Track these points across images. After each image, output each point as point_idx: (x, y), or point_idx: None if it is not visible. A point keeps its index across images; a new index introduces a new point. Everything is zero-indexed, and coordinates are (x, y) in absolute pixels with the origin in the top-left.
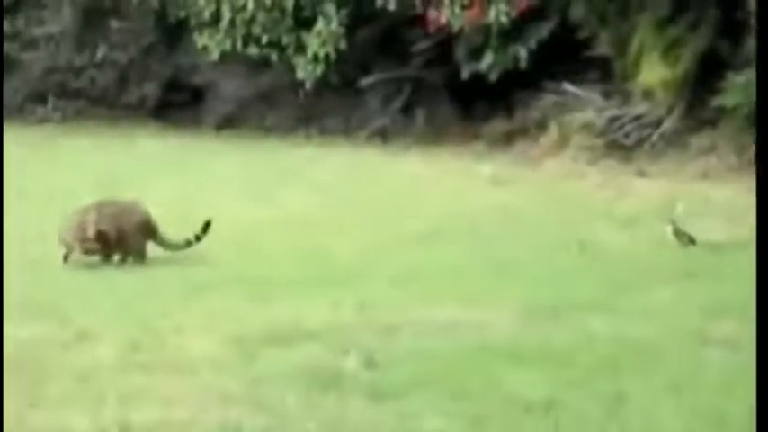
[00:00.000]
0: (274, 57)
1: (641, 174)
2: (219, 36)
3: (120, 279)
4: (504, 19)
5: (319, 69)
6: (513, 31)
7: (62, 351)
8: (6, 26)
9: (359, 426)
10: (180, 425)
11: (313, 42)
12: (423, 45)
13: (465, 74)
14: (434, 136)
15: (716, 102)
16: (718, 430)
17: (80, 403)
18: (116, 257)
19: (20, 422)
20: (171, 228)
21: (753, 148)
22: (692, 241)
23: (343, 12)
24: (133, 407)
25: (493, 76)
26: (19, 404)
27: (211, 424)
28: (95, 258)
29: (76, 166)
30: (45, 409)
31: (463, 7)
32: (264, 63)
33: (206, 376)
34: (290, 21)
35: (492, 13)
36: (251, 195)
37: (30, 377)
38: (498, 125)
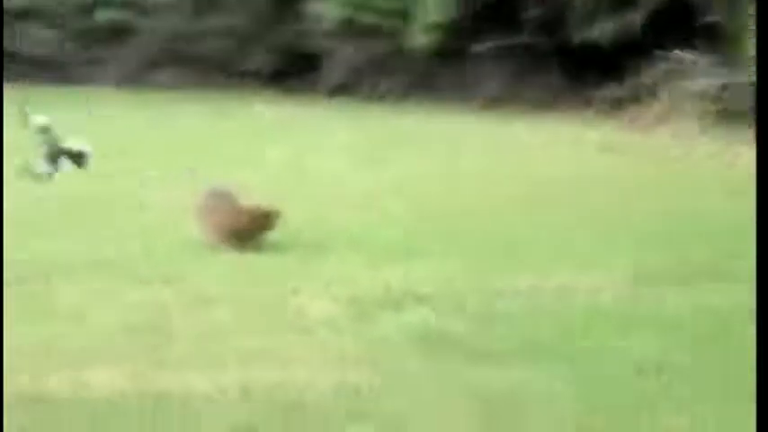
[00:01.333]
0: (389, 24)
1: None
2: (334, 4)
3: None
4: None
5: (432, 37)
6: None
7: (184, 315)
8: None
9: (471, 387)
10: (300, 385)
11: (426, 10)
12: (535, 12)
13: (576, 41)
14: (545, 103)
15: None
16: None
17: (202, 364)
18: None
19: (147, 382)
20: (285, 193)
21: None
22: None
23: None
24: (253, 368)
25: (604, 43)
26: (144, 365)
27: (329, 385)
28: None
29: (192, 132)
30: (169, 370)
31: None
32: (378, 30)
33: (323, 338)
34: None
35: None
36: (364, 161)
37: (152, 340)
38: (609, 92)
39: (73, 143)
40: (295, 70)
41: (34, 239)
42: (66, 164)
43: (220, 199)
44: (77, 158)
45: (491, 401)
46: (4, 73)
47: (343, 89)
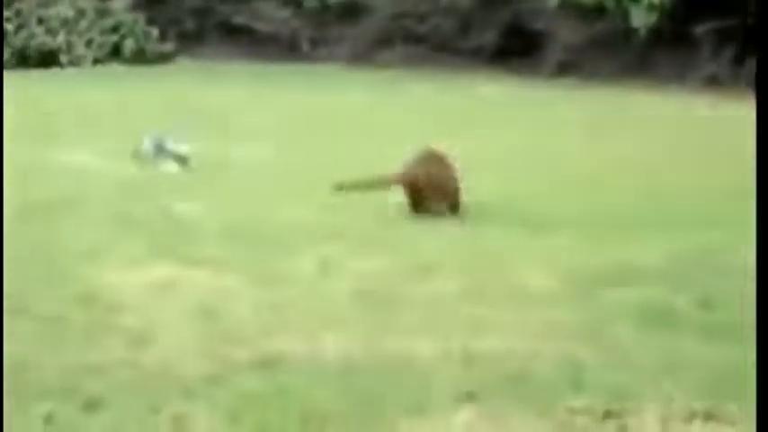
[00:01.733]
0: (610, 4)
1: None
2: None
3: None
4: None
5: (654, 17)
6: None
7: (408, 283)
8: None
9: (693, 364)
10: (523, 356)
11: None
12: None
13: None
14: None
15: None
16: None
17: (426, 331)
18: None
19: (374, 346)
20: (512, 170)
21: None
22: None
23: None
24: (476, 337)
25: None
26: (371, 331)
27: (553, 357)
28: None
29: (420, 109)
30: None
31: None
32: (600, 10)
33: (546, 310)
34: None
35: None
36: (588, 140)
37: (379, 307)
38: None
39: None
40: (518, 49)
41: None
42: (171, 164)
43: (435, 161)
44: (181, 160)
45: (715, 377)
46: (244, 50)
47: (565, 68)
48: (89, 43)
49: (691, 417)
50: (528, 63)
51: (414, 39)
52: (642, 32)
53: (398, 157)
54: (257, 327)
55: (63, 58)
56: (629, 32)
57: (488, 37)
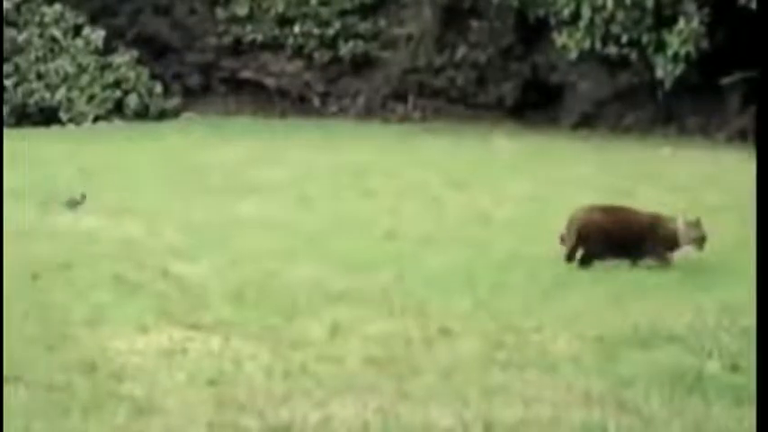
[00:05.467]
0: (633, 56)
1: None
2: (579, 35)
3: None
4: None
5: (679, 68)
6: None
7: (425, 347)
8: (368, 25)
9: (722, 428)
10: (543, 423)
11: (674, 41)
12: None
13: None
14: None
15: None
16: None
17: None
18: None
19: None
20: (525, 227)
21: None
22: None
23: (705, 10)
24: (495, 404)
25: None
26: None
27: (575, 423)
28: None
29: (434, 164)
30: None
31: None
32: (623, 62)
33: (567, 375)
34: (650, 19)
35: None
36: (609, 195)
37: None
38: None
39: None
40: (538, 102)
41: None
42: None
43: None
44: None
45: None
46: (251, 105)
47: (586, 121)
48: (90, 99)
49: None
50: (547, 116)
51: (429, 92)
52: (667, 84)
53: (408, 214)
54: (267, 394)
55: (63, 116)
56: (653, 84)
57: (506, 90)
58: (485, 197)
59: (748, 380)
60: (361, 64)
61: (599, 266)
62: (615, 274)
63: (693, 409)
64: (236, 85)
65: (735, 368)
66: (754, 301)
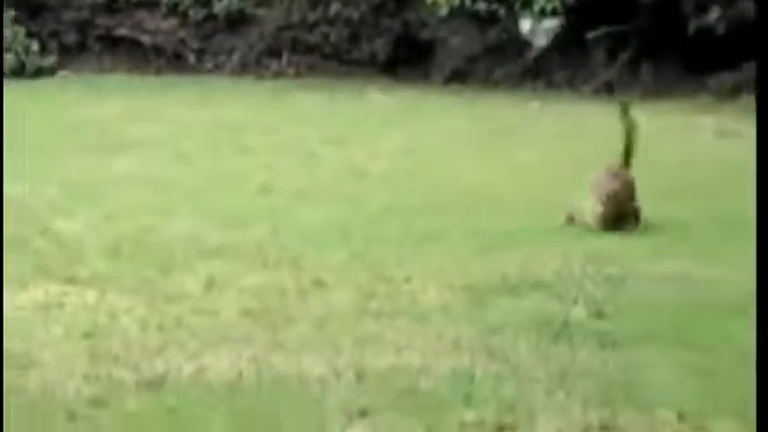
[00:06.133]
0: (501, 12)
1: None
2: None
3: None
4: None
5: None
6: None
7: (299, 298)
8: None
9: (587, 375)
10: (413, 371)
11: None
12: None
13: (692, 27)
14: (660, 89)
15: None
16: None
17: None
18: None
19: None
20: (399, 181)
21: None
22: None
23: None
24: (368, 352)
25: (720, 29)
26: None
27: (444, 370)
28: None
29: (309, 120)
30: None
31: None
32: (492, 18)
33: (437, 324)
34: None
35: None
36: (480, 149)
37: (269, 324)
38: (724, 78)
39: None
40: (410, 58)
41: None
42: None
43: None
44: None
45: (612, 386)
46: (127, 63)
47: (457, 77)
48: None
49: (586, 428)
50: (419, 72)
51: (303, 49)
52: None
53: (283, 169)
54: (142, 346)
55: None
56: (521, 39)
57: (379, 46)
58: (360, 152)
59: (612, 325)
60: (236, 21)
61: (471, 218)
62: (488, 226)
63: (559, 354)
64: (112, 43)
65: (599, 314)
66: (620, 250)
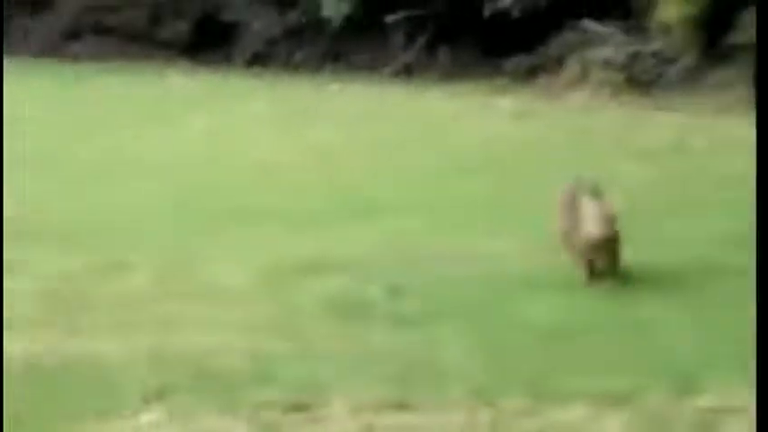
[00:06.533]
0: None
1: (660, 108)
2: None
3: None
4: None
5: (345, 7)
6: None
7: (97, 282)
8: None
9: (383, 354)
10: (211, 352)
11: None
12: None
13: (488, 11)
14: (458, 72)
15: (731, 38)
16: None
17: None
18: None
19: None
20: (200, 163)
21: None
22: None
23: None
24: (166, 334)
25: (515, 13)
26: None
27: (243, 350)
28: None
29: (109, 103)
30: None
31: None
32: (292, 1)
33: (237, 304)
34: None
35: None
36: (279, 131)
37: (66, 307)
38: (520, 61)
39: None
40: (211, 41)
41: None
42: None
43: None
44: None
45: (407, 365)
46: None
47: (259, 59)
48: None
49: (380, 406)
50: (221, 54)
51: (104, 31)
52: (334, 22)
53: (73, 153)
54: None
55: None
56: (322, 22)
57: (180, 29)
58: (160, 134)
59: (408, 305)
60: (37, 3)
61: (273, 199)
62: (289, 206)
63: (356, 334)
64: None
65: (396, 293)
66: (417, 229)
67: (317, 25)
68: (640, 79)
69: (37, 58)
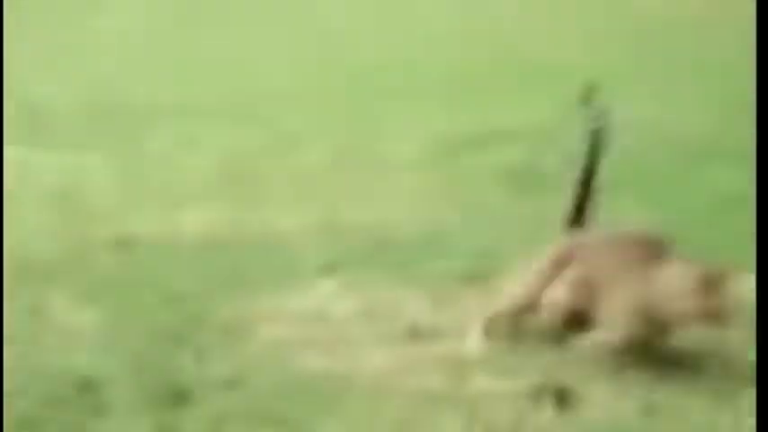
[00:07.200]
0: None
1: None
2: None
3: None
4: None
5: None
6: None
7: (273, 156)
8: None
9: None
10: (387, 225)
11: None
12: None
13: None
14: None
15: None
16: None
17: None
18: None
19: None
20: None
21: None
22: None
23: None
24: (340, 208)
25: None
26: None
27: (421, 222)
28: None
29: None
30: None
31: None
32: None
33: (410, 178)
34: None
35: None
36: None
37: (243, 182)
38: None
39: None
40: None
41: None
42: None
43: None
44: None
45: None
46: None
47: None
48: None
49: None
50: None
51: None
52: None
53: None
54: (116, 205)
55: None
56: None
57: None
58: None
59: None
60: None
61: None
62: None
63: (533, 203)
64: None
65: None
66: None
67: None
68: None
69: None
